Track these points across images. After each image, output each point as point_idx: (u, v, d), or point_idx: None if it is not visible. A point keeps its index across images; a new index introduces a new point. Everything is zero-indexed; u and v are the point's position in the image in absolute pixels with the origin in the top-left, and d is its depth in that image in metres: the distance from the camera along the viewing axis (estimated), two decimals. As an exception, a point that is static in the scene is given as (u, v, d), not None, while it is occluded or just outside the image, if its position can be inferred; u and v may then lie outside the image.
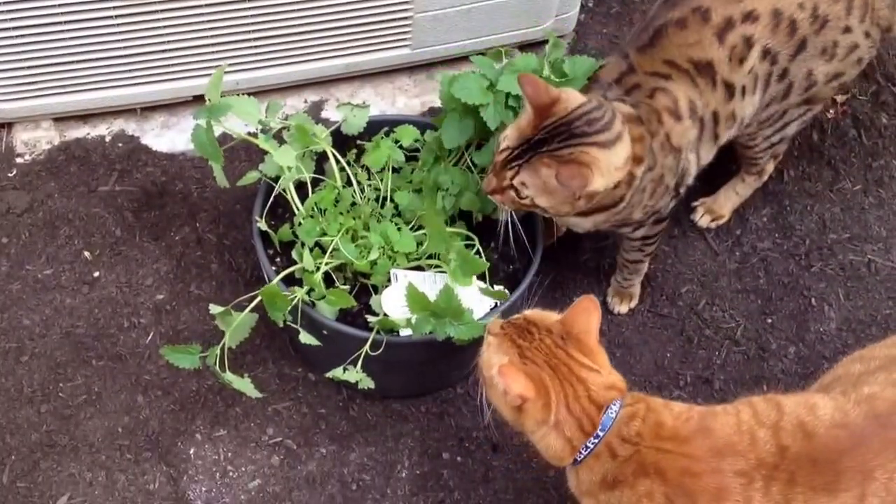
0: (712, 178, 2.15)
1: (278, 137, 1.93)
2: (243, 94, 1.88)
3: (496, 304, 1.87)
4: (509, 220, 1.78)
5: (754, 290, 2.15)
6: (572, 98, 1.68)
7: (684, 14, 1.75)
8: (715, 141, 1.85)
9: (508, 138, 1.69)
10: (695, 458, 1.43)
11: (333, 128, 1.98)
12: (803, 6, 1.79)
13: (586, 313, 1.54)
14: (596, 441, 1.48)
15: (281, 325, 1.78)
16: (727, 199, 2.20)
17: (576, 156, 1.63)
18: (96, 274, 2.09)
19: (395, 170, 1.98)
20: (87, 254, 2.11)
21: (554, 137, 1.65)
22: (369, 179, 1.95)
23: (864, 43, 1.88)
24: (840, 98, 2.30)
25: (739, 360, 2.06)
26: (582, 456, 1.50)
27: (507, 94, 1.84)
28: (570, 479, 1.57)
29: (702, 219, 2.21)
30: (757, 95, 1.85)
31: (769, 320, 2.11)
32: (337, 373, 1.77)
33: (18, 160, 2.21)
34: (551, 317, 1.56)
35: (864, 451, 1.39)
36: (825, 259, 2.17)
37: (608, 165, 1.65)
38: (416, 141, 2.00)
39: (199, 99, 2.22)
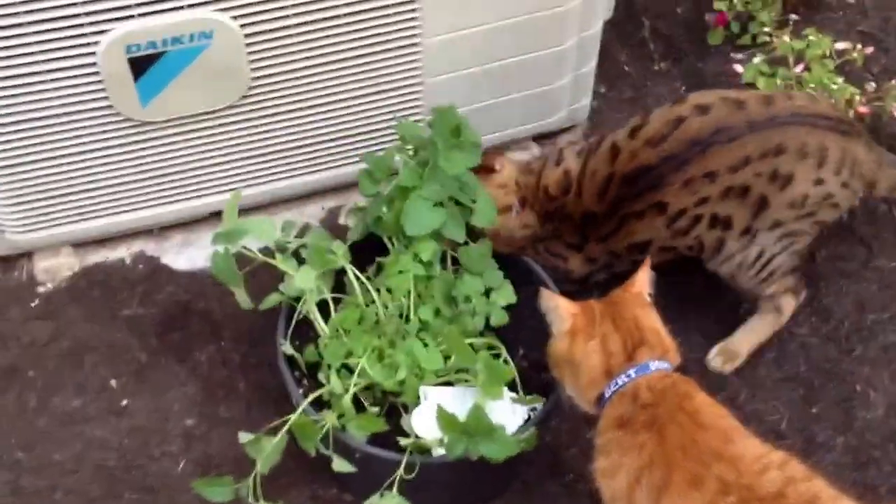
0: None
1: (297, 254, 1.91)
2: (260, 207, 1.86)
3: (529, 416, 1.83)
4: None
5: (795, 378, 2.08)
6: None
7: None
8: None
9: None
10: (696, 444, 1.46)
11: (351, 242, 1.95)
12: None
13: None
14: (627, 380, 1.57)
15: (313, 454, 1.75)
16: (745, 339, 2.08)
17: None
18: (124, 402, 2.06)
19: (416, 278, 1.95)
20: (113, 382, 2.09)
21: None
22: (392, 297, 1.92)
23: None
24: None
25: (787, 455, 1.99)
26: (611, 390, 1.58)
27: None
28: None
29: (714, 360, 2.08)
30: None
31: (813, 409, 2.04)
32: (374, 500, 1.73)
33: (40, 289, 2.20)
34: None
35: None
36: (865, 341, 2.10)
37: None
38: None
39: (216, 215, 2.20)
